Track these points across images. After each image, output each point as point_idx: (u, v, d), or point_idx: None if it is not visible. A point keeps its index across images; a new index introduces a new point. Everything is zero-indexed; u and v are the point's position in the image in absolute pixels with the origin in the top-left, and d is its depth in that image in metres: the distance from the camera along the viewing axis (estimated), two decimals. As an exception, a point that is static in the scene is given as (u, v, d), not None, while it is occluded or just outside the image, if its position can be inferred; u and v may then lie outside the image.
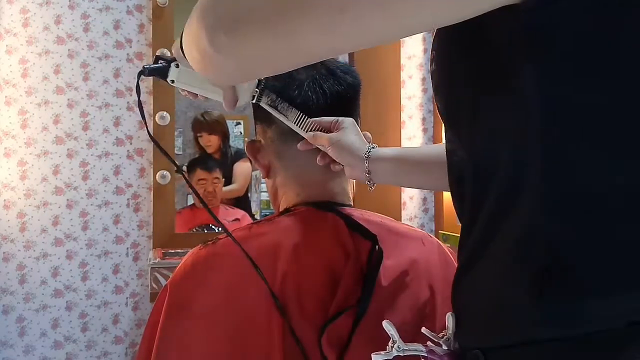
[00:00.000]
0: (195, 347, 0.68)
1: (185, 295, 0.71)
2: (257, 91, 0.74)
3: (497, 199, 0.47)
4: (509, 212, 0.46)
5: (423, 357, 0.54)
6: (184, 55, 0.61)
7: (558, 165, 0.43)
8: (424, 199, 2.16)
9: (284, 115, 0.76)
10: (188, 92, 0.77)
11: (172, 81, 0.76)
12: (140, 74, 0.76)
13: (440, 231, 2.03)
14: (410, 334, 0.70)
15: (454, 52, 0.51)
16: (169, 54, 1.82)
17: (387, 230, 0.77)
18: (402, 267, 0.74)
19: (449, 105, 0.53)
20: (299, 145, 0.78)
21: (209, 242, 0.75)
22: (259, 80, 0.74)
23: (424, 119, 2.15)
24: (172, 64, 0.75)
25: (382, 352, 0.54)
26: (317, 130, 0.76)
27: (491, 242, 0.48)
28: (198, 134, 2.23)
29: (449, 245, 0.88)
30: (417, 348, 0.54)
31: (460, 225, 0.55)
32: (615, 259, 0.42)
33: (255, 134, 0.86)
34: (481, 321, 0.50)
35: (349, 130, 0.77)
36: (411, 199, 2.15)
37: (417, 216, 2.15)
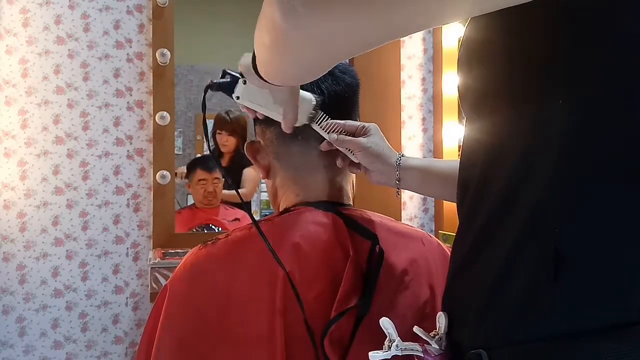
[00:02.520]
0: (195, 347, 0.68)
1: (185, 295, 0.71)
2: (313, 113, 0.75)
3: (508, 183, 0.48)
4: (519, 196, 0.46)
5: (418, 356, 0.54)
6: (254, 69, 0.60)
7: (574, 152, 0.44)
8: (424, 199, 2.16)
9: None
10: (247, 109, 0.77)
11: (237, 97, 0.75)
12: (207, 88, 0.75)
13: (440, 231, 2.03)
14: (410, 334, 0.71)
15: (492, 37, 0.50)
16: (169, 54, 1.83)
17: (387, 230, 0.77)
18: (402, 266, 0.74)
19: (477, 90, 0.54)
20: (321, 146, 0.78)
21: (208, 242, 0.75)
22: (317, 101, 0.75)
23: (424, 119, 2.15)
24: (240, 80, 0.74)
25: (380, 351, 0.54)
26: (341, 134, 0.77)
27: (497, 230, 0.48)
28: (218, 131, 2.23)
29: (448, 245, 0.88)
30: (414, 347, 0.54)
31: (460, 215, 0.55)
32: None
33: (255, 134, 0.86)
34: (485, 317, 0.49)
35: (378, 137, 0.80)
36: (411, 199, 2.15)
37: (417, 216, 2.15)
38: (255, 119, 0.84)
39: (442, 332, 0.54)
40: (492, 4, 0.41)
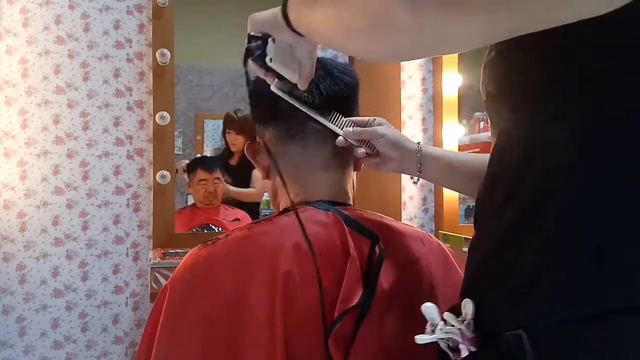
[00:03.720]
0: (195, 347, 0.68)
1: (185, 295, 0.71)
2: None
3: (548, 176, 0.51)
4: (558, 189, 0.50)
5: (453, 340, 0.55)
6: (286, 20, 0.60)
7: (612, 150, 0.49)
8: (424, 199, 2.16)
9: (320, 114, 0.77)
10: (267, 74, 0.73)
11: (270, 60, 0.69)
12: (247, 56, 0.69)
13: (440, 231, 2.03)
14: (410, 333, 0.71)
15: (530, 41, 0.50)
16: (169, 54, 1.83)
17: (387, 230, 0.77)
18: (402, 266, 0.74)
19: (515, 89, 0.57)
20: (336, 141, 0.79)
21: (208, 242, 0.75)
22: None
23: (424, 119, 2.15)
24: (270, 39, 0.68)
25: (426, 335, 0.56)
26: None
27: (535, 221, 0.51)
28: (227, 130, 2.23)
29: (449, 245, 0.88)
30: (453, 331, 0.55)
31: (485, 207, 0.59)
32: None
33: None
34: (524, 300, 0.52)
35: (391, 127, 0.83)
36: (411, 199, 2.15)
37: (417, 216, 2.15)
38: (254, 121, 0.84)
39: (470, 317, 0.55)
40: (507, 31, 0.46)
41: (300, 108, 0.77)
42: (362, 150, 0.81)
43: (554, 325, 0.49)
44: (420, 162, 0.83)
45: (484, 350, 0.54)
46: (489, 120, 0.66)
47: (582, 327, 0.48)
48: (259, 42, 0.69)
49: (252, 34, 0.70)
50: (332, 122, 0.78)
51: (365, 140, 0.82)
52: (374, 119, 0.83)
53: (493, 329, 0.53)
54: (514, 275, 0.53)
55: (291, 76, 0.72)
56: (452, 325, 0.55)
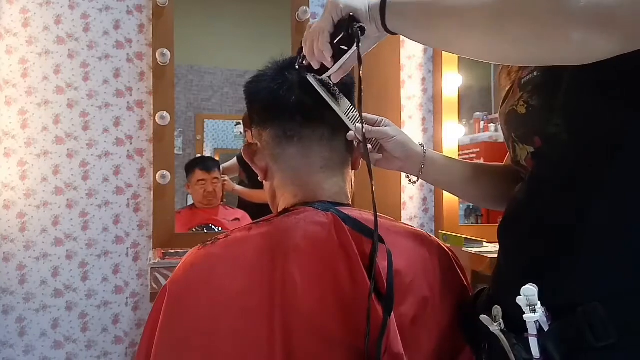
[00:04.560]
0: (195, 347, 0.68)
1: (184, 295, 0.71)
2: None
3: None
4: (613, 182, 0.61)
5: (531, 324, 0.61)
6: (383, 18, 0.65)
7: None
8: (424, 199, 2.16)
9: (336, 102, 0.78)
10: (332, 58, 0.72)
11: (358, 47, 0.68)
12: (359, 33, 0.68)
13: (440, 231, 2.03)
14: (411, 333, 0.71)
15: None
16: (169, 54, 1.83)
17: (386, 230, 0.77)
18: (402, 266, 0.74)
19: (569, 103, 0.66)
20: (348, 135, 0.81)
21: (208, 242, 0.75)
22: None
23: (424, 119, 2.15)
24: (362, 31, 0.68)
25: (532, 314, 0.60)
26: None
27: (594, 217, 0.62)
28: (246, 129, 2.23)
29: (449, 245, 0.88)
30: (543, 311, 0.60)
31: (529, 208, 0.70)
32: None
33: (252, 137, 0.86)
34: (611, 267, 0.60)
35: (397, 128, 0.88)
36: (411, 199, 2.15)
37: (417, 216, 2.15)
38: (252, 120, 0.84)
39: (500, 317, 0.65)
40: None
41: (325, 97, 0.77)
42: (370, 147, 0.84)
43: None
44: (423, 164, 0.88)
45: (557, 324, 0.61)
46: (513, 131, 0.76)
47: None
48: (356, 25, 0.68)
49: (356, 23, 0.69)
50: (346, 116, 0.79)
51: (372, 138, 0.85)
52: (382, 119, 0.87)
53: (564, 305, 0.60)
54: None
55: (339, 64, 0.72)
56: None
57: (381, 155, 0.88)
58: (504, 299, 0.66)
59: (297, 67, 0.77)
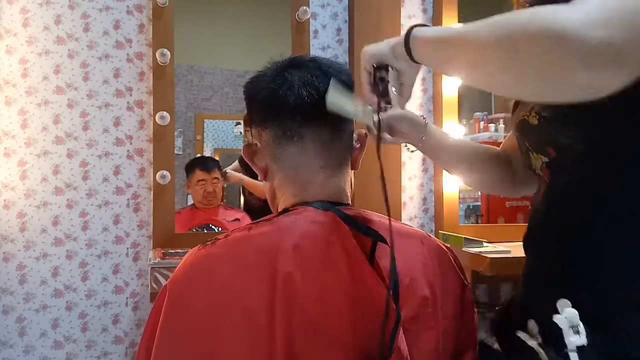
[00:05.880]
0: (195, 347, 0.68)
1: (184, 295, 0.71)
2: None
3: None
4: None
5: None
6: (408, 52, 0.70)
7: None
8: (424, 199, 2.16)
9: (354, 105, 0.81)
10: (379, 99, 0.78)
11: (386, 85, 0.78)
12: (380, 84, 0.77)
13: (440, 231, 2.03)
14: (411, 333, 0.71)
15: None
16: (169, 54, 1.83)
17: (386, 229, 0.77)
18: (402, 266, 0.74)
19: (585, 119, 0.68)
20: (371, 125, 0.85)
21: (208, 242, 0.75)
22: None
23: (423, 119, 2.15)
24: (389, 68, 0.77)
25: (577, 336, 0.62)
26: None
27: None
28: (246, 129, 2.23)
29: (448, 245, 0.88)
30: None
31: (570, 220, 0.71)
32: None
33: (251, 137, 0.86)
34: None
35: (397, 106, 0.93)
36: (411, 199, 2.15)
37: (417, 216, 2.15)
38: (251, 121, 0.84)
39: (536, 332, 0.68)
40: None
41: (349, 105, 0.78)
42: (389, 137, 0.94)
43: None
44: (424, 135, 0.97)
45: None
46: (526, 140, 0.79)
47: None
48: (382, 71, 0.77)
49: (374, 65, 0.77)
50: (364, 115, 0.82)
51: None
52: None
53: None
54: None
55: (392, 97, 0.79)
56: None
57: (390, 136, 0.95)
58: (536, 308, 0.71)
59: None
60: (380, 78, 0.77)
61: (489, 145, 1.05)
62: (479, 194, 2.28)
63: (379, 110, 0.77)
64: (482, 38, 0.58)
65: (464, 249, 1.63)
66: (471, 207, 2.30)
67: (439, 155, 1.03)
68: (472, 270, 1.56)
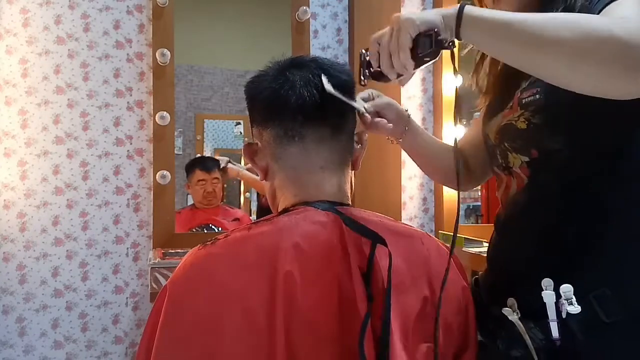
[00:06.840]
0: (195, 347, 0.68)
1: (184, 295, 0.71)
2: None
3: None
4: None
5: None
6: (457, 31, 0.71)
7: None
8: (424, 199, 2.16)
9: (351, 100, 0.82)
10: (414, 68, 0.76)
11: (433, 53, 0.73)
12: (452, 47, 0.74)
13: (440, 231, 2.03)
14: (411, 332, 0.71)
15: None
16: (169, 54, 1.83)
17: (386, 230, 0.77)
18: (401, 266, 0.74)
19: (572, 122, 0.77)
20: (363, 117, 0.92)
21: (208, 242, 0.75)
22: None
23: (424, 119, 2.15)
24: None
25: (574, 307, 0.72)
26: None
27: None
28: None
29: (448, 245, 0.88)
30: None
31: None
32: None
33: (252, 136, 0.86)
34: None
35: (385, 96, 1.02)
36: (411, 199, 2.15)
37: (417, 216, 2.15)
38: (253, 120, 0.84)
39: (515, 307, 0.77)
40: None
41: (344, 99, 0.79)
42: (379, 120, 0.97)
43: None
44: (407, 126, 1.05)
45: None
46: (507, 142, 0.84)
47: None
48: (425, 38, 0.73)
49: (421, 32, 0.74)
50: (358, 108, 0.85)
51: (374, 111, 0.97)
52: (371, 91, 1.01)
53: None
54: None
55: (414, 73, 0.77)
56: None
57: (388, 123, 0.98)
58: (513, 286, 0.81)
59: (362, 81, 0.81)
60: (451, 42, 0.72)
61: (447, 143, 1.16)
62: (479, 194, 2.29)
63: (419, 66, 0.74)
64: (551, 32, 0.64)
65: (464, 249, 1.64)
66: (471, 207, 2.30)
67: (417, 148, 1.11)
68: (472, 270, 1.56)
